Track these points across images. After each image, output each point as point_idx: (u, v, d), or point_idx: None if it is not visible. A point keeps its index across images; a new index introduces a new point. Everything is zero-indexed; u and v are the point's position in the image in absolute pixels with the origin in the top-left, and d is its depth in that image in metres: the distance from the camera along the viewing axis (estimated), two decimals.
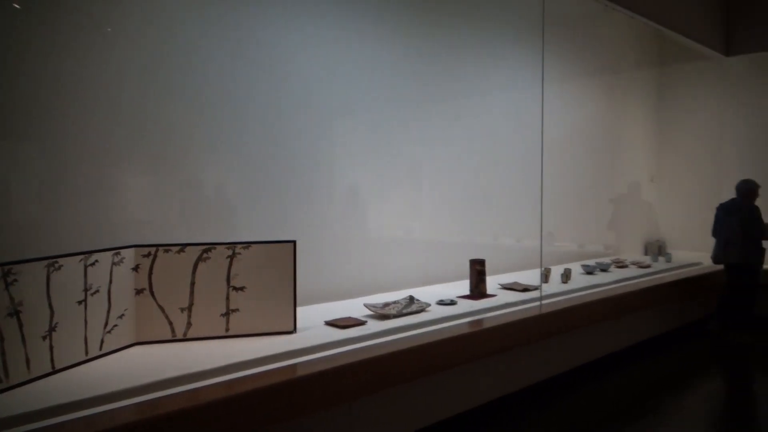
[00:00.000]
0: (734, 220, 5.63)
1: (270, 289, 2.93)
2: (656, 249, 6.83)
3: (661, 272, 5.75)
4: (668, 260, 6.36)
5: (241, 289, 2.88)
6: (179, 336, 2.79)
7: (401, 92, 4.33)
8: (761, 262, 5.63)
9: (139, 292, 2.74)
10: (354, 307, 3.55)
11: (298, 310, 3.06)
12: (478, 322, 3.56)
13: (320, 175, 3.85)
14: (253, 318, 2.90)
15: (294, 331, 2.96)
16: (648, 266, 5.89)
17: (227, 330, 2.86)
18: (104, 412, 2.05)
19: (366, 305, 3.48)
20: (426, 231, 4.61)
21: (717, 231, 5.85)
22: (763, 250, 5.62)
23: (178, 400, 2.18)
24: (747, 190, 5.65)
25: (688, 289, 5.79)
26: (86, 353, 2.46)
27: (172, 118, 3.14)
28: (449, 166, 4.71)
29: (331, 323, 3.15)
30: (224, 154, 3.39)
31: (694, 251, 6.91)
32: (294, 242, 2.98)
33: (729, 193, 6.89)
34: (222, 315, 2.85)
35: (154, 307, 2.76)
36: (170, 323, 2.78)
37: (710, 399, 4.35)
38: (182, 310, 2.80)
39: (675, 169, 7.37)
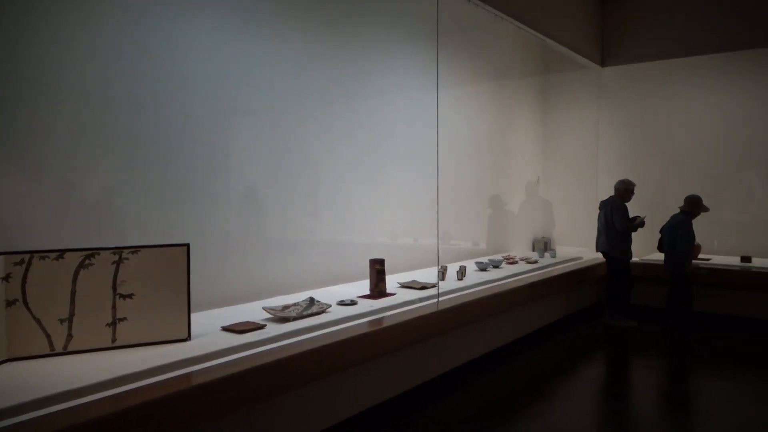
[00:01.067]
0: (602, 215, 6.25)
1: (161, 296, 2.78)
2: (542, 245, 7.28)
3: (547, 267, 6.14)
4: (553, 256, 6.81)
5: (129, 296, 2.71)
6: (59, 350, 2.58)
7: (300, 92, 4.28)
8: (627, 253, 6.20)
9: (10, 303, 2.49)
10: (252, 311, 3.47)
11: (193, 316, 2.94)
12: (379, 321, 3.61)
13: (216, 175, 3.72)
14: (143, 327, 2.74)
15: (188, 338, 2.84)
16: (535, 262, 6.26)
17: (114, 341, 2.68)
18: None
19: (265, 308, 3.41)
20: (326, 231, 4.60)
21: (597, 224, 6.43)
22: (629, 242, 6.19)
23: (59, 420, 2.01)
24: (620, 188, 6.22)
25: (571, 281, 6.23)
26: None
27: (48, 116, 2.89)
28: (348, 166, 4.73)
29: (228, 328, 3.05)
30: (110, 154, 3.17)
31: (577, 246, 7.46)
32: (187, 245, 2.85)
33: (607, 193, 7.54)
34: (108, 325, 2.67)
35: (29, 319, 2.52)
36: (48, 336, 2.56)
37: (593, 382, 4.71)
38: (62, 321, 2.58)
39: (558, 170, 7.91)
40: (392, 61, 5.19)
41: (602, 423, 3.86)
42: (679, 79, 7.19)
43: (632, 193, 6.22)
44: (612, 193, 6.34)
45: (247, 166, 3.94)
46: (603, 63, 7.53)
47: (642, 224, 6.11)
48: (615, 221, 6.08)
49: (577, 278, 6.37)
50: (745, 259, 6.43)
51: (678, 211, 6.11)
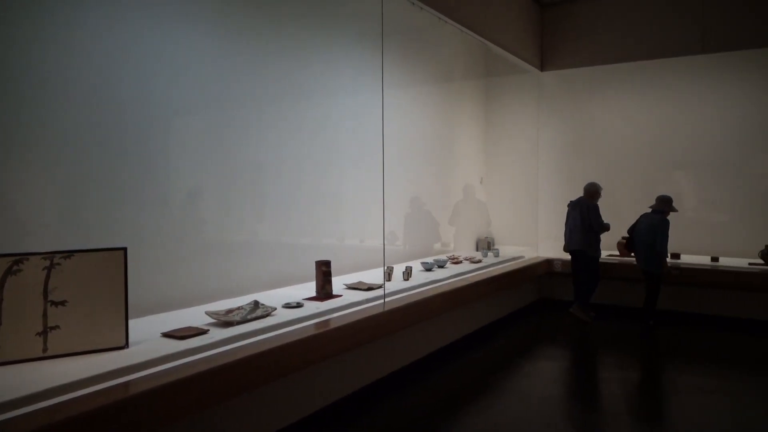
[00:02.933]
0: (577, 215, 6.47)
1: (97, 302, 2.67)
2: (486, 245, 7.44)
3: (490, 266, 6.27)
4: (496, 255, 6.97)
5: (62, 303, 2.59)
6: None
7: (244, 92, 4.20)
8: (598, 252, 6.52)
9: None
10: (195, 316, 3.38)
11: (131, 322, 2.83)
12: (325, 323, 3.59)
13: (155, 177, 3.59)
14: (78, 335, 2.62)
15: (126, 346, 2.73)
16: (479, 261, 6.38)
17: (45, 350, 2.55)
18: None
19: (207, 313, 3.32)
20: (270, 233, 4.53)
21: (566, 223, 6.69)
22: (599, 241, 6.50)
23: None
24: (591, 190, 6.57)
25: (513, 279, 6.39)
26: None
27: None
28: (294, 167, 4.67)
29: (169, 334, 2.96)
30: (44, 154, 3.01)
31: (519, 246, 7.66)
32: (124, 249, 2.75)
33: (546, 194, 7.78)
34: (38, 334, 2.53)
35: None
36: None
37: (539, 376, 4.84)
38: None
39: (501, 172, 8.10)
40: (338, 62, 5.17)
41: (544, 417, 3.97)
42: (613, 83, 7.51)
43: (599, 194, 6.57)
44: (581, 194, 6.64)
45: (187, 167, 3.83)
46: (542, 67, 7.76)
47: (608, 227, 6.47)
48: (593, 222, 6.40)
49: (519, 277, 6.54)
50: (675, 256, 6.77)
51: (649, 211, 6.24)
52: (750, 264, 6.34)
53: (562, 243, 6.80)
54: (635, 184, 7.01)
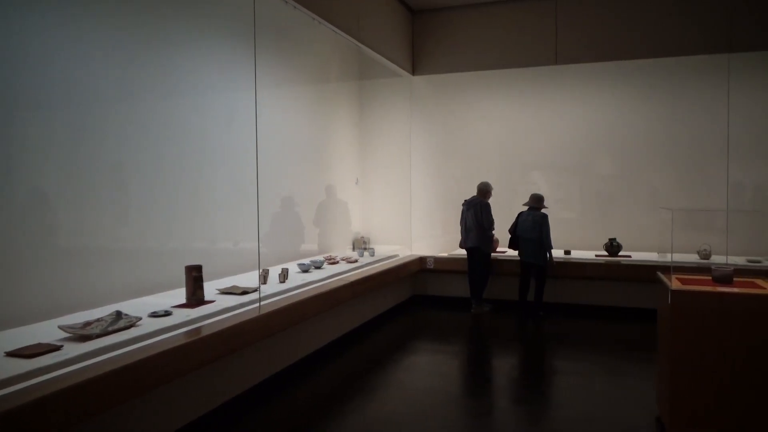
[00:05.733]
0: (472, 213, 6.83)
1: None
2: (362, 245, 7.56)
3: (366, 265, 6.38)
4: (372, 254, 7.10)
5: None
6: None
7: (105, 87, 3.87)
8: (490, 249, 6.92)
9: None
10: (46, 331, 3.08)
11: None
12: (196, 330, 3.44)
13: None
14: None
15: None
16: (356, 261, 6.47)
17: None
18: None
19: (61, 327, 3.04)
20: (134, 238, 4.24)
21: (461, 221, 7.02)
22: (491, 238, 6.90)
23: None
24: (484, 189, 6.96)
25: (389, 278, 6.55)
26: None
27: None
28: (160, 168, 4.41)
29: (15, 353, 2.67)
30: None
31: (393, 245, 7.87)
32: None
33: (419, 194, 8.06)
34: None
35: None
36: None
37: (417, 369, 5.00)
38: None
39: (375, 173, 8.26)
40: (208, 59, 4.96)
41: (423, 407, 4.12)
42: (478, 89, 7.98)
43: (491, 193, 6.96)
44: (474, 193, 7.01)
45: (38, 167, 3.46)
46: (414, 72, 8.04)
47: (494, 227, 6.88)
48: (485, 220, 6.75)
49: (394, 275, 6.72)
50: None
51: (525, 209, 6.78)
52: (596, 255, 7.05)
53: (436, 241, 7.08)
54: (499, 185, 7.49)
